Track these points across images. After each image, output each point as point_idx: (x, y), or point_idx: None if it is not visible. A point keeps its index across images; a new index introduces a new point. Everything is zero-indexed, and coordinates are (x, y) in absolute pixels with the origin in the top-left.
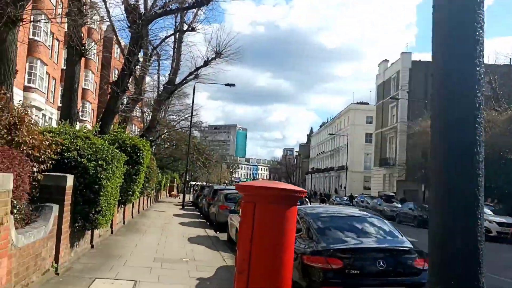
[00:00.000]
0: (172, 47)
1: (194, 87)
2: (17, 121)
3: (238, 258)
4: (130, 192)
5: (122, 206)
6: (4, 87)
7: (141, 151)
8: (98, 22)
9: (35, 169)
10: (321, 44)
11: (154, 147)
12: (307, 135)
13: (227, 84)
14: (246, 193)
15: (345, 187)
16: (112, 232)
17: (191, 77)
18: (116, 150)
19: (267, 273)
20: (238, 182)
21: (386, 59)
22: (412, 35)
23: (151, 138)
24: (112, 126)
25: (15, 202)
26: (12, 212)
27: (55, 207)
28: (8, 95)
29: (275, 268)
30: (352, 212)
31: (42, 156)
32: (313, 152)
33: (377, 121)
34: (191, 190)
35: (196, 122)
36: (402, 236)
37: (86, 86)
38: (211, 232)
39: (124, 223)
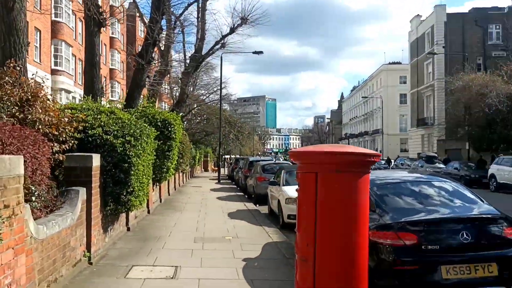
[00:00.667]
0: (196, 16)
1: (221, 57)
2: (30, 97)
3: (299, 242)
4: (164, 169)
5: (157, 184)
6: (15, 60)
7: (172, 126)
8: None
9: (55, 149)
10: (346, 6)
11: (185, 122)
12: (338, 101)
13: (255, 52)
14: (304, 161)
15: (381, 151)
16: (149, 212)
17: (217, 46)
18: (145, 124)
19: (338, 259)
20: (270, 153)
21: (418, 14)
22: None
23: (181, 113)
24: (140, 101)
25: (33, 188)
26: (29, 200)
27: (82, 191)
28: (19, 68)
29: (347, 252)
30: (418, 177)
31: (63, 135)
32: (346, 118)
33: (412, 80)
34: (225, 164)
35: (225, 94)
36: (483, 202)
37: (113, 66)
38: (250, 206)
39: (160, 201)
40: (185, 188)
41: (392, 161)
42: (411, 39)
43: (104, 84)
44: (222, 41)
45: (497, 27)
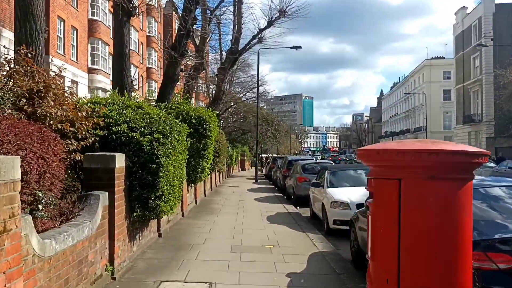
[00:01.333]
0: (232, 10)
1: (259, 53)
2: (42, 88)
3: (373, 275)
4: (199, 169)
5: (192, 185)
6: (31, 48)
7: (207, 123)
8: None
9: (71, 148)
10: (383, 2)
11: (222, 121)
12: (377, 98)
13: (294, 47)
14: (380, 163)
15: None
16: (183, 215)
17: (254, 40)
18: (176, 120)
19: None
20: (307, 151)
21: (464, 6)
22: None
23: (217, 112)
24: (174, 97)
25: (40, 194)
26: (35, 209)
27: (104, 195)
28: (30, 55)
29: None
30: (503, 182)
31: (82, 132)
32: (386, 115)
33: (457, 75)
34: (262, 163)
35: (262, 92)
36: None
37: (150, 65)
38: (290, 208)
39: (196, 202)
40: (221, 188)
41: None
42: (456, 32)
43: (141, 83)
44: (260, 35)
45: None
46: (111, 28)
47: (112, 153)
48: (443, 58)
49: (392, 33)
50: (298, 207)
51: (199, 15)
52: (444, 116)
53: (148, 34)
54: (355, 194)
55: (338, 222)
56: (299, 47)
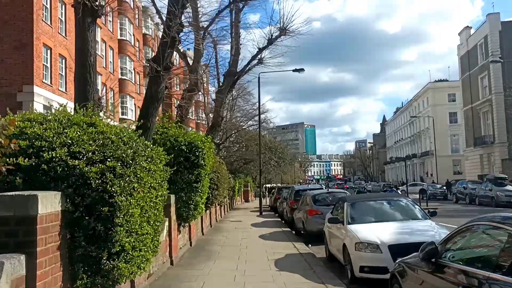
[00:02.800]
0: (230, 32)
1: (259, 77)
2: None
3: None
4: (192, 205)
5: (184, 224)
6: None
7: (200, 150)
8: None
9: None
10: (381, 30)
11: (223, 150)
12: (380, 124)
13: (296, 70)
14: None
15: (431, 174)
16: (172, 263)
17: (254, 62)
18: (147, 142)
19: None
20: (311, 180)
21: (468, 26)
22: (478, 8)
23: (218, 140)
24: (160, 120)
25: None
26: None
27: (14, 261)
28: None
29: None
30: None
31: None
32: (390, 141)
33: (465, 96)
34: (266, 193)
35: (264, 119)
36: None
37: (123, 76)
38: (301, 247)
39: (191, 244)
40: (223, 223)
41: (441, 185)
42: (461, 53)
43: (112, 98)
44: (259, 56)
45: None
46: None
47: (34, 193)
48: (446, 80)
49: (391, 60)
50: (310, 245)
51: (189, 32)
52: (452, 139)
53: (120, 37)
54: (386, 232)
55: (366, 269)
56: (302, 69)
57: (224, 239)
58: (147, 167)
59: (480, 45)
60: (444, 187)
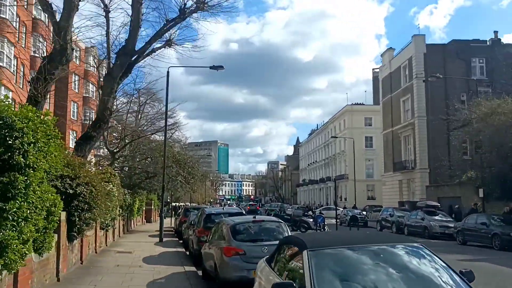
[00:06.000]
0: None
1: (168, 72)
2: None
3: None
4: None
5: None
6: None
7: (18, 134)
8: None
9: None
10: (296, 58)
11: (120, 159)
12: (294, 145)
13: (213, 67)
14: None
15: (345, 198)
16: None
17: (160, 42)
18: None
19: None
20: (222, 200)
21: (391, 48)
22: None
23: (113, 148)
24: None
25: None
26: None
27: None
28: None
29: None
30: None
31: None
32: (303, 163)
33: (385, 119)
34: (172, 213)
35: (171, 125)
36: None
37: None
38: None
39: None
40: (103, 257)
41: (360, 211)
42: (382, 75)
43: None
44: (169, 34)
45: (481, 61)
46: None
47: None
48: (363, 104)
49: (303, 87)
50: None
51: None
52: (367, 164)
53: None
54: None
55: None
56: (221, 66)
57: None
58: None
59: (404, 67)
60: (364, 213)
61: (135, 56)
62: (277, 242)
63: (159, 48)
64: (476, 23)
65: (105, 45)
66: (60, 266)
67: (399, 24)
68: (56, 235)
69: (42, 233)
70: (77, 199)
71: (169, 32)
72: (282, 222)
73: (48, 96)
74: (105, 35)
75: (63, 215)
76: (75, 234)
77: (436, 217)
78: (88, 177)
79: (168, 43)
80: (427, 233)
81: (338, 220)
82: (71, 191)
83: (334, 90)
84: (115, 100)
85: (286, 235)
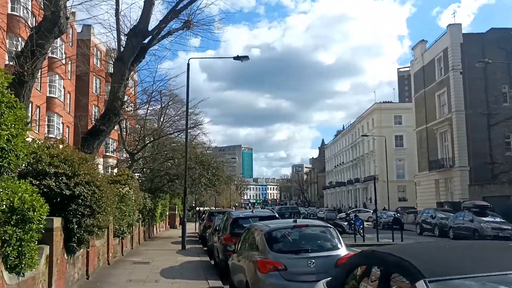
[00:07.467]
0: None
1: (188, 64)
2: None
3: None
4: None
5: None
6: None
7: None
8: None
9: None
10: (318, 61)
11: (140, 161)
12: (319, 148)
13: (237, 57)
14: None
15: (375, 200)
16: None
17: (175, 22)
18: None
19: None
20: (247, 204)
21: (423, 40)
22: (406, 46)
23: (131, 149)
24: None
25: None
26: None
27: None
28: None
29: None
30: None
31: None
32: (329, 165)
33: (418, 116)
34: (196, 218)
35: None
36: None
37: None
38: None
39: None
40: (116, 269)
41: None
42: (414, 69)
43: None
44: (185, 10)
45: None
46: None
47: None
48: (391, 102)
49: (325, 90)
50: None
51: None
52: (397, 164)
53: None
54: None
55: None
56: (246, 57)
57: None
58: None
59: (438, 59)
60: (398, 214)
61: (149, 38)
62: (326, 253)
63: (177, 30)
64: (501, 20)
65: (115, 26)
66: (53, 285)
67: (422, 25)
68: (47, 247)
69: (14, 247)
70: (75, 202)
71: (187, 10)
72: (330, 227)
73: (40, 74)
74: (114, 14)
75: (57, 221)
76: (74, 245)
77: (487, 218)
78: (90, 175)
79: (187, 25)
80: (477, 236)
81: (379, 223)
82: (67, 192)
83: (357, 92)
84: (126, 89)
85: (337, 243)
